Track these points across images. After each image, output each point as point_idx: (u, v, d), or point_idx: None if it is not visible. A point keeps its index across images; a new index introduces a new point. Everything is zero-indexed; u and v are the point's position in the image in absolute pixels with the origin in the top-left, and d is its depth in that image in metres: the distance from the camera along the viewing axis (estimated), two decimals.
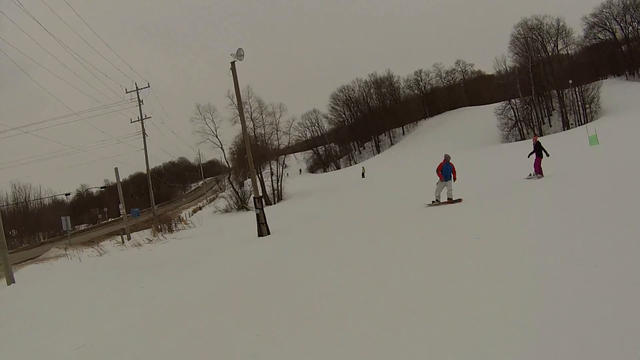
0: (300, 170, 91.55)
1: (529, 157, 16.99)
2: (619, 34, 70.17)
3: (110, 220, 67.78)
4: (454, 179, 14.87)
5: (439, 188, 14.88)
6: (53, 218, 59.02)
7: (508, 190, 14.52)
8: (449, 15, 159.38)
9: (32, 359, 6.66)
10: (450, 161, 14.95)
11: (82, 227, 71.20)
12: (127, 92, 35.20)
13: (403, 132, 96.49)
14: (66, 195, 58.16)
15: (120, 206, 32.35)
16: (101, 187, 62.23)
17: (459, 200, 14.46)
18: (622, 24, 69.16)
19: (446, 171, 14.72)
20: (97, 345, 6.75)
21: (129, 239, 27.42)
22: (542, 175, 15.92)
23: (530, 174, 16.40)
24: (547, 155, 16.40)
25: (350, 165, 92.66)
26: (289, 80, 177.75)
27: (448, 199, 14.73)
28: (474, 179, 14.76)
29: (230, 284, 9.41)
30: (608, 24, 70.32)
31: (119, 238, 27.73)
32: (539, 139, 17.42)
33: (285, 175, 52.74)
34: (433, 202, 14.99)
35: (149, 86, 35.68)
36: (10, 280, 14.19)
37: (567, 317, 4.38)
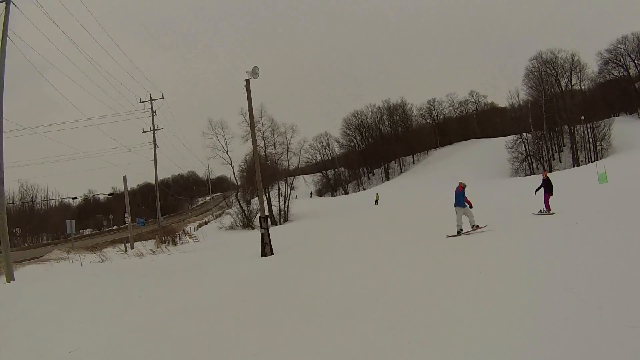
0: (311, 193, 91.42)
1: (535, 192, 16.88)
2: (633, 71, 69.85)
3: (115, 227, 67.97)
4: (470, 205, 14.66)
5: (459, 217, 14.63)
6: (58, 220, 59.20)
7: (516, 226, 14.44)
8: (465, 46, 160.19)
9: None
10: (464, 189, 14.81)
11: (87, 232, 71.42)
12: (140, 102, 35.50)
13: (413, 160, 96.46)
14: (73, 199, 58.23)
15: (126, 214, 32.43)
16: (108, 194, 62.57)
17: (484, 226, 14.31)
18: (636, 61, 68.99)
19: (460, 197, 14.56)
20: (93, 349, 6.76)
21: (132, 248, 27.41)
22: (550, 211, 15.80)
23: (541, 210, 16.25)
24: (552, 194, 16.29)
25: (359, 190, 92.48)
26: (302, 101, 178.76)
27: (473, 226, 14.48)
28: (482, 212, 14.63)
29: (230, 299, 9.44)
30: (622, 60, 70.11)
31: (122, 246, 27.71)
32: (548, 174, 17.35)
33: (294, 197, 52.72)
34: (458, 232, 14.57)
35: (163, 97, 35.98)
36: (10, 278, 14.16)
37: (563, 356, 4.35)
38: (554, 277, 7.22)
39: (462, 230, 14.45)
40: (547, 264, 8.14)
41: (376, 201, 47.56)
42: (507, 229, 14.02)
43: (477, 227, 14.30)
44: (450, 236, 14.44)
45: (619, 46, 69.52)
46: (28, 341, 7.56)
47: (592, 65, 70.26)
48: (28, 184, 70.15)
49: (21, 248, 44.15)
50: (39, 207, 72.21)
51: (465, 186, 14.82)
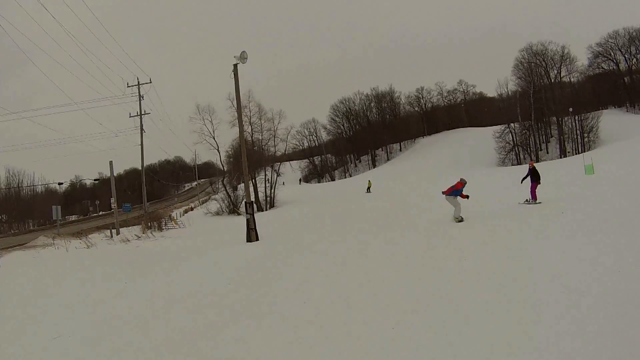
0: (300, 180, 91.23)
1: (522, 182, 17.00)
2: (623, 65, 70.31)
3: (101, 213, 67.44)
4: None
5: (458, 209, 14.71)
6: (44, 206, 58.61)
7: (501, 215, 14.56)
8: (455, 35, 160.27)
9: (8, 346, 6.67)
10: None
11: (73, 218, 70.79)
12: (128, 86, 35.16)
13: (400, 148, 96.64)
14: (59, 184, 57.79)
15: (112, 200, 32.25)
16: (95, 180, 61.81)
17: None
18: (626, 55, 69.41)
19: (456, 192, 14.68)
20: (76, 336, 6.78)
21: (117, 233, 27.34)
22: (537, 200, 16.03)
23: (527, 200, 16.36)
24: (539, 182, 16.48)
25: (345, 177, 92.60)
26: (290, 86, 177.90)
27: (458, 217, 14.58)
28: (468, 201, 14.75)
29: (214, 285, 9.46)
30: (612, 54, 70.51)
31: (108, 232, 27.64)
32: (534, 164, 17.47)
33: (282, 184, 52.68)
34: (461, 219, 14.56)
35: (150, 82, 35.63)
36: None
37: (550, 342, 4.46)
38: (539, 266, 7.35)
39: (461, 219, 14.47)
40: (533, 253, 8.28)
41: (368, 188, 46.55)
42: (492, 218, 14.17)
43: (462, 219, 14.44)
44: (459, 221, 14.31)
45: (610, 40, 69.85)
46: (10, 326, 7.58)
47: (582, 58, 70.74)
48: (14, 170, 69.49)
49: (7, 234, 43.81)
50: (25, 193, 71.47)
51: (465, 183, 14.82)
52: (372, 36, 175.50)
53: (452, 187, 14.73)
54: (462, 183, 14.75)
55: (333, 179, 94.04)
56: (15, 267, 13.21)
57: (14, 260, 14.82)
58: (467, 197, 14.64)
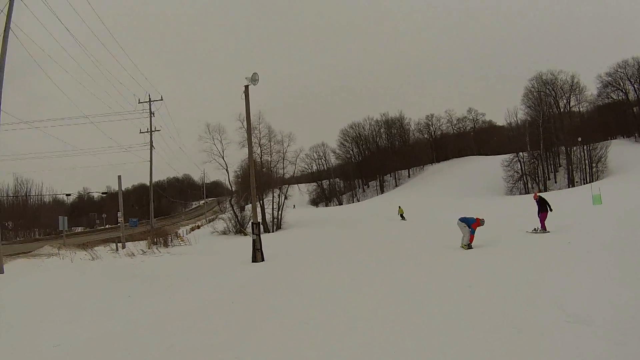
0: (294, 205, 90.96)
1: (539, 215, 16.85)
2: (632, 95, 70.33)
3: (107, 226, 67.61)
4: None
5: (467, 237, 14.67)
6: (51, 216, 58.93)
7: (509, 243, 14.53)
8: (465, 63, 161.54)
9: (9, 353, 6.63)
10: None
11: (79, 229, 71.09)
12: (139, 102, 35.46)
13: (409, 174, 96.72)
14: (67, 195, 58.26)
15: (119, 214, 32.29)
16: (102, 193, 62.28)
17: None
18: (635, 85, 69.51)
19: (469, 224, 14.68)
20: (76, 346, 6.75)
21: (123, 247, 27.32)
22: (546, 230, 15.92)
23: (535, 229, 16.33)
24: (551, 210, 16.41)
25: (353, 202, 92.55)
26: (300, 110, 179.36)
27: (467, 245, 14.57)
28: (478, 229, 14.74)
29: (217, 304, 9.42)
30: (622, 84, 70.61)
31: (113, 245, 27.61)
32: (540, 194, 17.43)
33: (292, 207, 52.58)
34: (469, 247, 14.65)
35: (162, 99, 35.94)
36: (0, 270, 14.16)
37: None
38: (542, 292, 7.28)
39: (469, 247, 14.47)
40: (537, 280, 8.20)
41: (402, 215, 39.59)
42: (499, 245, 14.11)
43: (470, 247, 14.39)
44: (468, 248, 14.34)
45: (619, 70, 70.07)
46: (10, 334, 7.56)
47: (591, 88, 70.90)
48: (22, 178, 70.05)
49: (13, 242, 43.90)
50: (32, 202, 71.96)
51: (482, 225, 14.78)
52: (385, 60, 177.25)
53: (474, 220, 14.73)
54: (479, 223, 14.72)
55: (341, 203, 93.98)
56: (19, 275, 13.20)
57: (18, 268, 14.81)
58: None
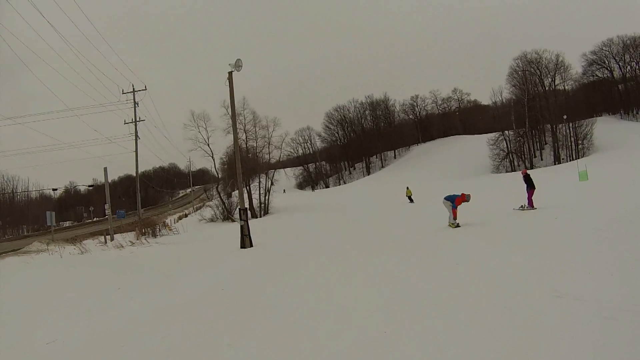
0: (284, 190, 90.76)
1: (527, 191, 16.93)
2: (617, 73, 71.37)
3: (95, 219, 67.25)
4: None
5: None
6: (39, 212, 58.48)
7: (496, 220, 14.66)
8: (450, 44, 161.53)
9: (2, 351, 6.67)
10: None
11: (67, 224, 70.70)
12: (123, 93, 35.08)
13: (395, 155, 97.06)
14: (53, 190, 57.60)
15: (106, 206, 32.16)
16: (89, 186, 61.70)
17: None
18: (620, 63, 70.39)
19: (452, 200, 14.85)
20: (70, 342, 6.79)
21: (112, 239, 27.29)
22: (533, 206, 16.11)
23: (522, 206, 16.47)
24: (534, 188, 16.65)
25: (340, 184, 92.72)
26: (285, 94, 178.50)
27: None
28: (464, 207, 14.90)
29: (208, 292, 9.47)
30: (607, 62, 71.57)
31: (102, 238, 27.58)
32: (528, 171, 17.58)
33: (282, 191, 52.61)
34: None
35: (145, 89, 35.58)
36: None
37: (534, 347, 4.49)
38: (530, 271, 7.37)
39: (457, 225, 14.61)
40: (525, 258, 8.27)
41: (410, 197, 35.85)
42: (486, 223, 14.22)
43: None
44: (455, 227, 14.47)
45: (604, 48, 70.90)
46: (3, 332, 7.60)
47: (576, 67, 71.76)
48: (8, 175, 69.33)
49: (1, 240, 43.59)
50: (19, 199, 71.30)
51: (468, 201, 14.83)
52: (368, 42, 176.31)
53: (459, 195, 14.86)
54: (464, 199, 14.75)
55: (327, 186, 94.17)
56: (9, 273, 13.22)
57: (7, 266, 14.82)
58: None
